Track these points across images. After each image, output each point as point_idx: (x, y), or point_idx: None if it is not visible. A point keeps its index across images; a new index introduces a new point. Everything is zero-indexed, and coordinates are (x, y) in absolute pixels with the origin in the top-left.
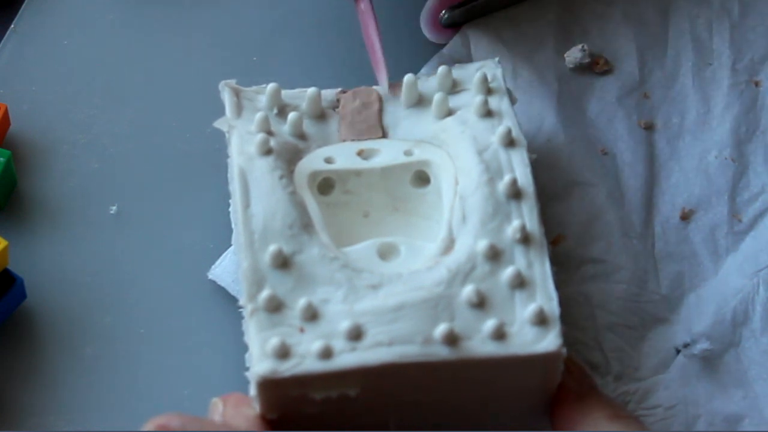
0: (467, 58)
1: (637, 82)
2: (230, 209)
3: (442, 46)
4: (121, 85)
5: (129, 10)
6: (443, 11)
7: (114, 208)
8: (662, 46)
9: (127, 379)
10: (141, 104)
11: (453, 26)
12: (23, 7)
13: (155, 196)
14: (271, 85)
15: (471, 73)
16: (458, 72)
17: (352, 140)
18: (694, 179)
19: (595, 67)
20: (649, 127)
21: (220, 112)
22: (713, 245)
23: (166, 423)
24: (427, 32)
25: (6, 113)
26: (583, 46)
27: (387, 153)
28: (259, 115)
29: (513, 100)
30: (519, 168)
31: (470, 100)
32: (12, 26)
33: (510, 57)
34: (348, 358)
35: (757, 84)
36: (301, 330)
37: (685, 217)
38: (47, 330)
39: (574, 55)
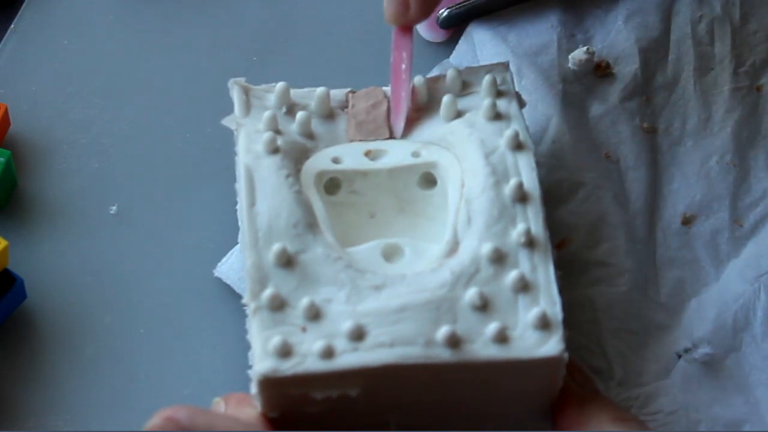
0: (473, 62)
1: (638, 86)
2: (237, 207)
3: (442, 45)
4: (121, 85)
5: (129, 10)
6: (441, 11)
7: (114, 208)
8: (664, 50)
9: (127, 379)
10: (141, 104)
11: (449, 27)
12: (23, 7)
13: (155, 196)
14: (280, 84)
15: (480, 76)
16: (468, 74)
17: (360, 140)
18: (696, 184)
19: (598, 70)
20: (651, 132)
21: (220, 111)
22: (714, 250)
23: (173, 415)
24: (423, 31)
25: (6, 113)
26: (588, 49)
27: (394, 154)
28: (267, 114)
29: (522, 104)
30: (525, 172)
31: (479, 102)
32: (12, 26)
33: (514, 59)
34: (349, 358)
35: (758, 89)
36: (304, 329)
37: (687, 222)
38: (47, 330)
39: (579, 57)
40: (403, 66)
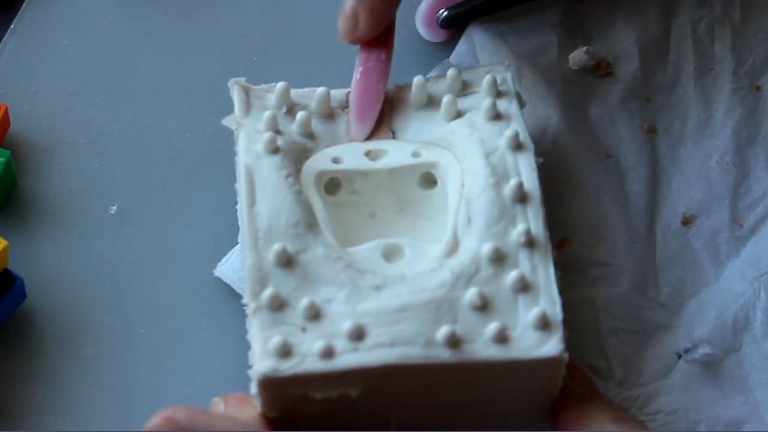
0: (473, 62)
1: (638, 86)
2: (237, 207)
3: (442, 45)
4: (121, 85)
5: (129, 10)
6: (441, 11)
7: (114, 208)
8: (664, 50)
9: (127, 379)
10: (141, 104)
11: (449, 27)
12: (23, 7)
13: (155, 196)
14: (281, 84)
15: (480, 76)
16: (468, 74)
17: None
18: (696, 184)
19: (597, 70)
20: (651, 131)
21: (220, 111)
22: (714, 250)
23: (173, 415)
24: (423, 31)
25: (6, 113)
26: (588, 49)
27: (395, 154)
28: (267, 114)
29: (522, 104)
30: (525, 172)
31: (479, 102)
32: (12, 26)
33: (514, 59)
34: (349, 358)
35: (758, 89)
36: (303, 329)
37: (687, 222)
38: (47, 330)
39: (579, 57)
40: (360, 75)
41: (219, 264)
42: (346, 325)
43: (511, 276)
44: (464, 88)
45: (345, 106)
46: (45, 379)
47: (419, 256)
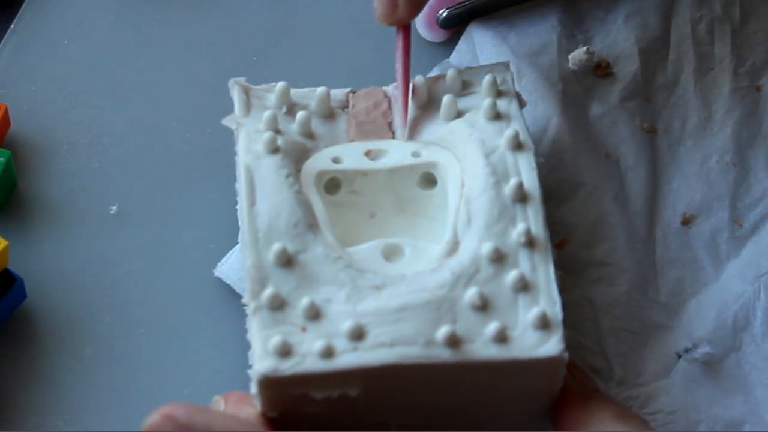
0: (473, 62)
1: (638, 86)
2: (237, 207)
3: (442, 45)
4: (121, 85)
5: (129, 10)
6: (441, 11)
7: (114, 208)
8: (664, 50)
9: (127, 379)
10: (141, 104)
11: (449, 27)
12: (23, 7)
13: (155, 196)
14: (281, 84)
15: (480, 76)
16: (468, 74)
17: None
18: (695, 184)
19: (598, 70)
20: (651, 132)
21: (220, 111)
22: (714, 250)
23: (172, 413)
24: (423, 31)
25: (6, 113)
26: (588, 49)
27: (394, 154)
28: (267, 114)
29: (522, 104)
30: (525, 171)
31: (479, 102)
32: (12, 26)
33: (514, 59)
34: (349, 358)
35: (758, 89)
36: (303, 329)
37: (687, 222)
38: (47, 330)
39: (579, 57)
40: (397, 65)
41: (219, 264)
42: (346, 325)
43: (511, 276)
44: (464, 88)
45: (345, 106)
46: (45, 379)
47: (419, 256)
